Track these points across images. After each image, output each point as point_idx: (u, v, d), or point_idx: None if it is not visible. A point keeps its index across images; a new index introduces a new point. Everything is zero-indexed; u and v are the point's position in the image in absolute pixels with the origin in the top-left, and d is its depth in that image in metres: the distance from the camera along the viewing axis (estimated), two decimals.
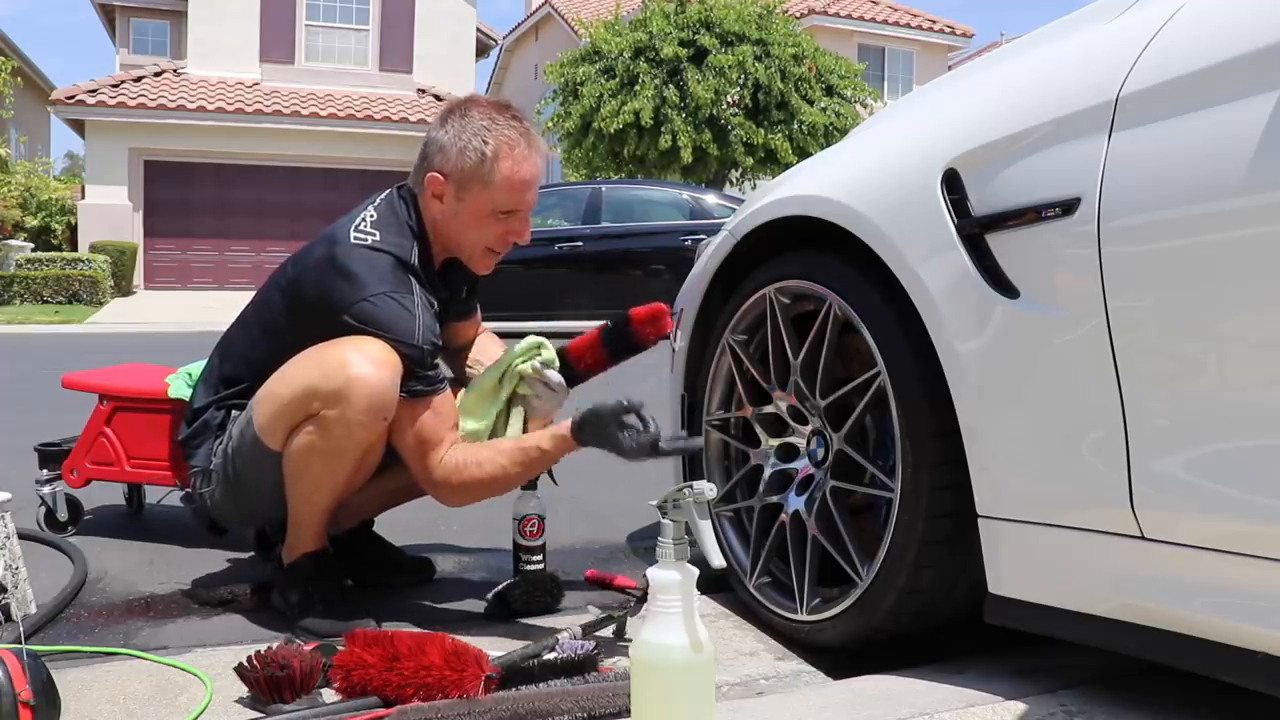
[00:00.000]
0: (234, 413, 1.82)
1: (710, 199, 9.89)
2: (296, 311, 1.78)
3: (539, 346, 1.90)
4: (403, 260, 1.73)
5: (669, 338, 2.01)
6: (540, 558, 1.92)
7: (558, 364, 1.91)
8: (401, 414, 1.69)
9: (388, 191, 1.84)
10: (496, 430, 1.90)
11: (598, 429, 1.64)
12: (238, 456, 1.78)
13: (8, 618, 1.68)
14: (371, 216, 1.77)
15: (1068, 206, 1.23)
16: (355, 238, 1.73)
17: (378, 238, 1.73)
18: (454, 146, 1.75)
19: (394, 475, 1.89)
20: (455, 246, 1.83)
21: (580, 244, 9.26)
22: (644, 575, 1.61)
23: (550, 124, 15.59)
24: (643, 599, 1.80)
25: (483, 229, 1.79)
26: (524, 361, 1.88)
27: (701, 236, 9.05)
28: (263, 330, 1.85)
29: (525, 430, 1.91)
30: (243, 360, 1.86)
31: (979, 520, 1.37)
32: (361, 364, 1.62)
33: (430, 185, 1.77)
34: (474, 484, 1.72)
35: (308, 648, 1.45)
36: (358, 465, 1.73)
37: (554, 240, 9.24)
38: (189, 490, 1.90)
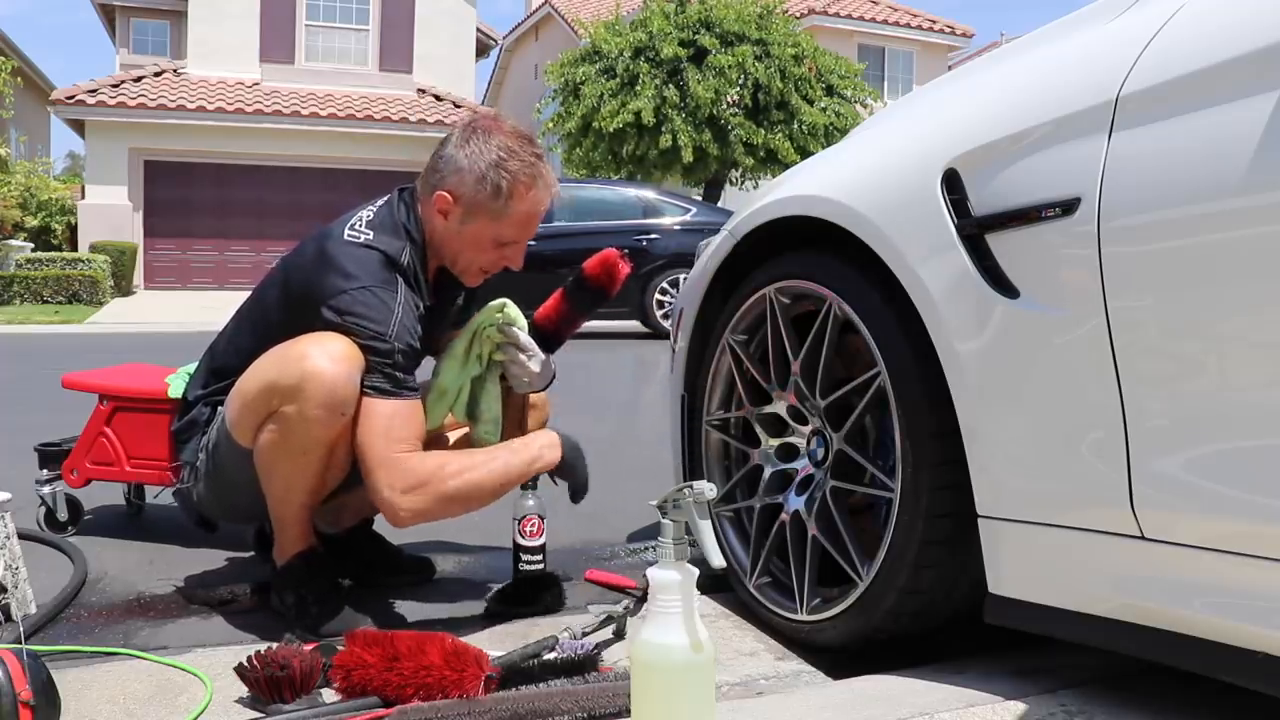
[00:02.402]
0: (219, 409, 1.83)
1: (651, 195, 9.84)
2: (285, 306, 1.79)
3: (503, 306, 1.91)
4: (392, 259, 1.72)
5: (622, 282, 2.04)
6: (540, 558, 1.91)
7: (523, 321, 1.93)
8: (361, 413, 1.64)
9: (389, 195, 1.84)
10: (476, 398, 1.91)
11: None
12: (216, 453, 1.80)
13: (8, 618, 1.68)
14: (368, 217, 1.78)
15: (1068, 206, 1.23)
16: (348, 235, 1.73)
17: (370, 237, 1.73)
18: (471, 173, 1.74)
19: None
20: (450, 260, 1.84)
21: (532, 243, 9.22)
22: (644, 575, 1.61)
23: (550, 124, 15.60)
24: (643, 599, 1.80)
25: (480, 253, 1.81)
26: (489, 324, 1.90)
27: (655, 235, 9.10)
28: (252, 324, 1.86)
29: (504, 403, 1.94)
30: (231, 353, 1.87)
31: (979, 520, 1.37)
32: (319, 358, 1.61)
33: (438, 202, 1.76)
34: (446, 497, 1.66)
35: (308, 648, 1.45)
36: (326, 462, 1.70)
37: None
38: (178, 484, 1.91)
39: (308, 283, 1.72)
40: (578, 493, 1.86)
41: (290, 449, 1.67)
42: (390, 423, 1.65)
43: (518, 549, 1.91)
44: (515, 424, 2.01)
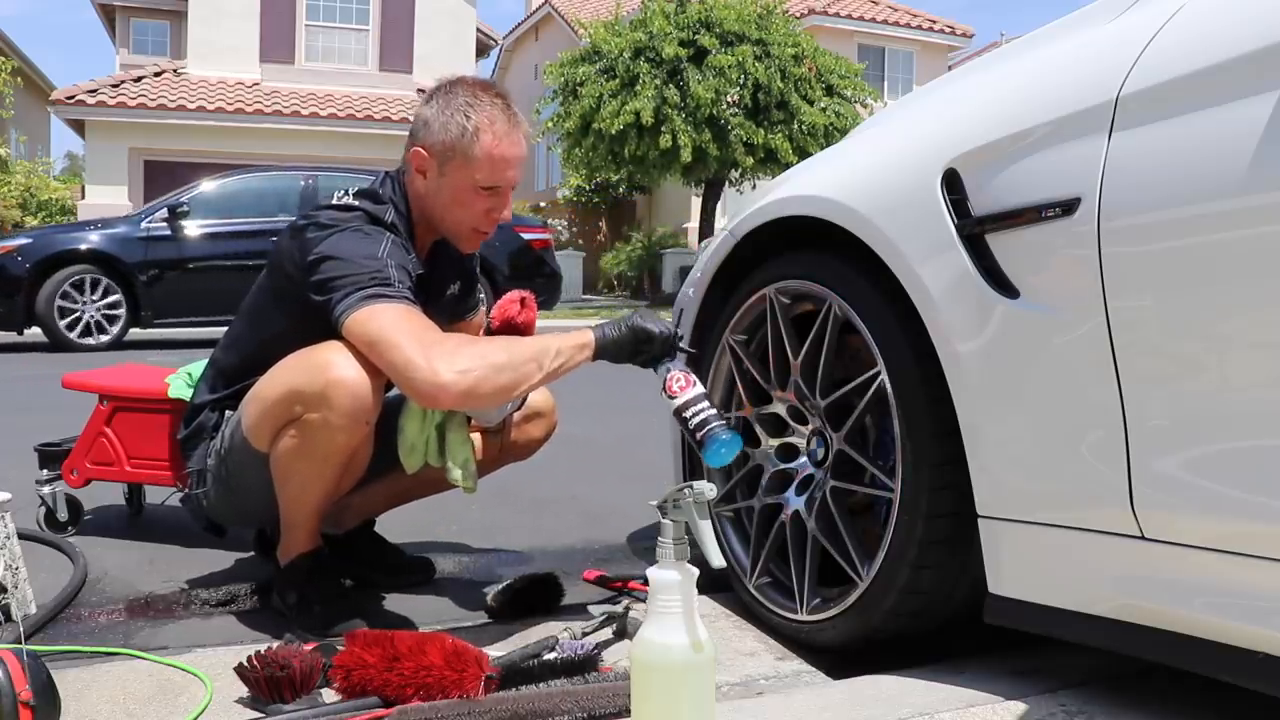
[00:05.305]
0: (228, 414, 1.83)
1: (318, 183, 8.93)
2: (275, 286, 1.79)
3: None
4: (375, 217, 1.72)
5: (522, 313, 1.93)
6: (705, 404, 1.62)
7: None
8: (366, 324, 1.57)
9: (376, 176, 1.85)
10: (444, 443, 1.85)
11: (618, 352, 1.64)
12: (229, 458, 1.78)
13: (8, 618, 1.68)
14: (352, 190, 1.79)
15: (1068, 206, 1.23)
16: (329, 204, 1.75)
17: (351, 201, 1.75)
18: (437, 121, 1.75)
19: (399, 476, 1.89)
20: (440, 224, 1.82)
21: (183, 252, 8.29)
22: (644, 575, 1.61)
23: (550, 124, 15.59)
24: (641, 599, 1.79)
25: (465, 205, 1.77)
26: None
27: None
28: (248, 314, 1.87)
29: (469, 435, 1.87)
30: (231, 350, 1.87)
31: (979, 520, 1.37)
32: (345, 367, 1.60)
33: (414, 160, 1.77)
34: (480, 371, 1.53)
35: (308, 648, 1.45)
36: (344, 467, 1.71)
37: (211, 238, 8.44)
38: (186, 491, 1.91)
39: (291, 248, 1.71)
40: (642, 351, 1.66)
41: (311, 455, 1.66)
42: (410, 321, 1.57)
43: (678, 411, 1.63)
44: (492, 458, 1.98)
